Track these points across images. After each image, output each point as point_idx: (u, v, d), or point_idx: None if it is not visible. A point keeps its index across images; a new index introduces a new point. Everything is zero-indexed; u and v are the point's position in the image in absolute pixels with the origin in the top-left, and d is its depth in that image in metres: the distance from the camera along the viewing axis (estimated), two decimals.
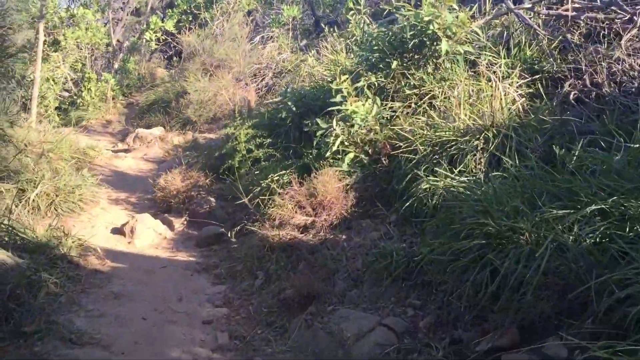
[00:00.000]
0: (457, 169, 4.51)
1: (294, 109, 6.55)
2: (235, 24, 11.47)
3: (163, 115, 11.73)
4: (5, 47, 5.24)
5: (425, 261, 3.76)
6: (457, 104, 5.20)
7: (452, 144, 4.75)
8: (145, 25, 15.82)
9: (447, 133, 4.90)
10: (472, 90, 5.34)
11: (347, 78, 5.73)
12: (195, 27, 13.95)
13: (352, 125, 5.42)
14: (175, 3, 15.85)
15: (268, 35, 12.97)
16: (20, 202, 5.98)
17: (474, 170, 4.51)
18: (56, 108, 14.22)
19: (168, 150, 9.54)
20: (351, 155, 5.34)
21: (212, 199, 6.51)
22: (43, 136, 8.24)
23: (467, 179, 4.35)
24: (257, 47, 12.11)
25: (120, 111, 14.67)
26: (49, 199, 6.26)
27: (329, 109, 5.79)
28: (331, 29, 10.95)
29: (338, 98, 5.61)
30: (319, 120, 5.61)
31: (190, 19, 15.35)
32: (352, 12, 10.10)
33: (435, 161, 4.76)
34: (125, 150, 10.59)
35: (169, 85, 12.39)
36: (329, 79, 7.60)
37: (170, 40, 14.54)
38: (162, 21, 14.98)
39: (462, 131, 4.85)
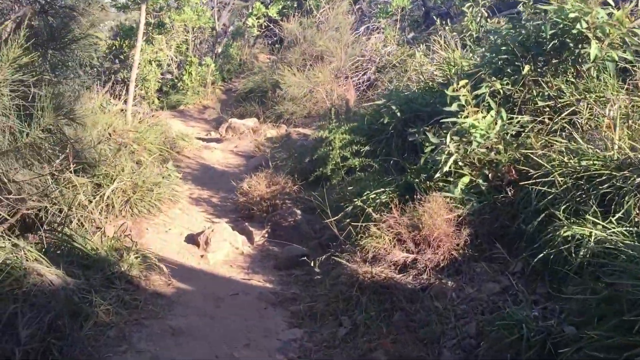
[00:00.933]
0: (613, 215, 3.35)
1: (398, 113, 5.54)
2: (340, 13, 10.52)
3: (258, 105, 11.03)
4: (66, 31, 4.55)
5: (572, 350, 2.67)
6: (609, 125, 4.00)
7: (604, 178, 3.58)
8: (250, 10, 15.22)
9: (596, 163, 3.73)
10: (631, 109, 4.11)
11: (466, 83, 4.63)
12: (298, 15, 13.15)
13: (470, 142, 4.34)
14: None
15: (374, 25, 11.94)
16: (94, 199, 5.38)
17: (636, 219, 3.33)
18: (157, 90, 13.99)
19: (259, 145, 8.79)
20: (466, 179, 4.27)
21: (298, 211, 5.64)
22: (132, 124, 7.67)
23: (628, 231, 3.20)
24: (360, 38, 11.11)
25: (218, 97, 14.20)
26: (125, 196, 5.63)
27: (441, 118, 4.75)
28: (443, 22, 9.77)
29: (453, 107, 4.53)
30: (428, 134, 4.55)
31: (295, 5, 14.58)
32: (468, 4, 8.89)
33: (579, 200, 3.61)
34: (217, 140, 9.98)
35: (267, 74, 11.66)
36: (440, 80, 6.52)
37: (272, 27, 13.78)
38: (267, 7, 14.29)
39: (617, 163, 3.66)
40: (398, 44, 10.89)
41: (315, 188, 5.92)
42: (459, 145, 4.36)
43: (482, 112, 4.50)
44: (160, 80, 13.48)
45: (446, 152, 4.34)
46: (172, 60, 14.02)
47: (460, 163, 4.38)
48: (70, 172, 5.29)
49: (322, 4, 13.23)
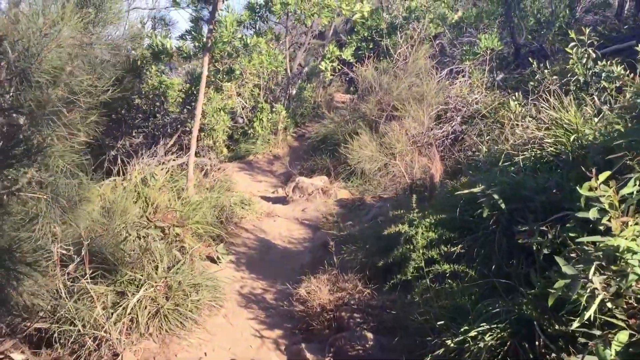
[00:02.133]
0: None
1: (501, 204, 4.08)
2: (421, 57, 9.15)
3: (330, 159, 9.78)
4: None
5: None
6: None
7: None
8: (326, 50, 14.11)
9: None
10: None
11: (607, 176, 3.12)
12: (374, 57, 11.88)
13: (624, 275, 2.83)
14: (355, 29, 13.93)
15: (458, 68, 10.47)
16: (114, 312, 4.22)
17: None
18: (228, 137, 13.08)
19: (328, 213, 7.48)
20: (623, 335, 2.75)
21: (369, 335, 4.22)
22: (187, 192, 6.60)
23: None
24: (443, 83, 9.68)
25: (290, 144, 13.11)
26: (154, 305, 4.44)
27: (564, 216, 3.28)
28: (539, 63, 8.19)
29: (591, 213, 3.04)
30: (559, 260, 3.05)
31: (370, 46, 13.35)
32: (572, 44, 7.29)
33: None
34: (282, 201, 8.79)
35: (339, 125, 10.41)
36: (552, 149, 4.99)
37: (347, 70, 12.56)
38: (340, 49, 13.12)
39: None
40: (486, 88, 9.37)
41: (392, 292, 4.52)
42: (609, 279, 2.85)
43: (636, 222, 2.99)
44: (230, 128, 12.55)
45: (587, 290, 2.84)
46: (242, 107, 13.11)
47: (610, 305, 2.86)
48: (86, 279, 4.18)
49: (400, 43, 11.93)
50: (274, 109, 12.74)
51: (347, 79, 16.55)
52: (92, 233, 4.38)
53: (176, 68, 13.42)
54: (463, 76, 10.24)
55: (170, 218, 5.62)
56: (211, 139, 12.09)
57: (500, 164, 5.00)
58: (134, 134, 11.81)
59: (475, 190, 4.20)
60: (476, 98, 8.87)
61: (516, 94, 7.73)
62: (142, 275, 4.50)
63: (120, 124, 11.56)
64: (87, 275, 4.14)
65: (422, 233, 4.23)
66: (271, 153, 12.42)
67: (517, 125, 6.40)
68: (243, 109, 13.20)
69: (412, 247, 4.25)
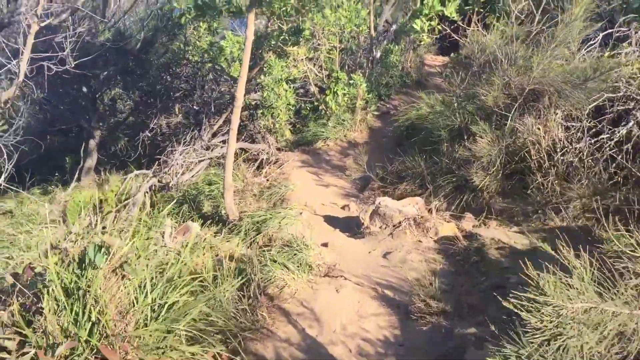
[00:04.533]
0: None
1: None
2: (580, 13, 5.69)
3: (424, 161, 6.62)
4: None
5: None
6: None
7: None
8: (417, 6, 10.67)
9: None
10: None
11: None
12: (490, 15, 8.43)
13: None
14: None
15: (620, 32, 6.89)
16: None
17: None
18: (295, 113, 10.16)
19: (429, 259, 4.48)
20: None
21: None
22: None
23: None
24: (603, 52, 6.21)
25: (371, 124, 9.98)
26: None
27: None
28: None
29: None
30: None
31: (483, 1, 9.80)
32: None
33: None
34: (355, 228, 5.83)
35: (439, 109, 7.15)
36: None
37: (450, 33, 9.10)
38: (442, 4, 9.67)
39: None
40: None
41: None
42: None
43: None
44: (294, 104, 9.60)
45: None
46: (313, 76, 10.05)
47: None
48: None
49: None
50: (352, 80, 9.61)
51: (448, 43, 13.06)
52: None
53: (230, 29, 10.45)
54: (629, 44, 6.69)
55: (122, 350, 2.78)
56: (270, 118, 9.21)
57: None
58: (174, 112, 9.11)
59: None
60: None
61: None
62: None
63: (155, 98, 8.88)
64: None
65: None
66: (346, 139, 9.37)
67: None
68: (314, 80, 10.16)
69: None
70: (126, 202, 7.20)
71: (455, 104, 6.42)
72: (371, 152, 8.24)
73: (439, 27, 9.31)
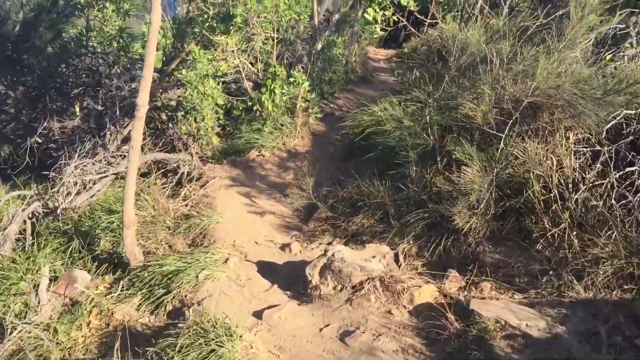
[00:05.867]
0: None
1: None
2: (595, 5, 4.30)
3: (389, 190, 5.10)
4: None
5: None
6: None
7: None
8: None
9: None
10: None
11: None
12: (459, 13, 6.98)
13: None
14: None
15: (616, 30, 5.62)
16: None
17: None
18: (225, 113, 8.45)
19: (407, 348, 3.05)
20: None
21: None
22: None
23: None
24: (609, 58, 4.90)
25: (314, 129, 8.41)
26: None
27: None
28: None
29: None
30: None
31: None
32: None
33: None
34: (299, 285, 4.27)
35: (410, 123, 5.62)
36: None
37: (408, 26, 7.54)
38: None
39: None
40: None
41: None
42: None
43: None
44: (224, 104, 7.88)
45: None
46: (247, 70, 8.33)
47: None
48: None
49: None
50: (291, 78, 7.99)
51: (389, 35, 11.61)
52: None
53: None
54: (630, 44, 5.46)
55: None
56: (193, 123, 7.45)
57: None
58: (69, 113, 7.17)
59: None
60: None
61: None
62: None
63: (45, 96, 6.89)
64: None
65: None
66: (285, 147, 7.77)
67: None
68: (247, 75, 8.45)
69: None
70: None
71: (428, 118, 4.91)
72: (316, 162, 6.69)
73: (394, 17, 7.79)
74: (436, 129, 4.86)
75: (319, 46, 9.71)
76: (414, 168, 4.97)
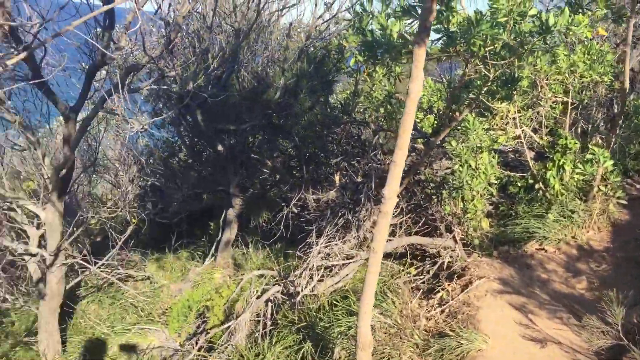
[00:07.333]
0: None
1: None
2: None
3: None
4: None
5: None
6: None
7: None
8: None
9: None
10: None
11: None
12: None
13: None
14: None
15: None
16: None
17: None
18: (500, 189, 7.05)
19: None
20: None
21: None
22: None
23: None
24: None
25: (614, 218, 6.39)
26: None
27: None
28: None
29: None
30: None
31: None
32: None
33: None
34: None
35: None
36: None
37: None
38: None
39: None
40: None
41: None
42: None
43: None
44: (498, 179, 6.48)
45: None
46: (526, 139, 6.78)
47: None
48: None
49: None
50: (588, 151, 6.20)
51: None
52: None
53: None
54: None
55: None
56: (460, 202, 6.20)
57: None
58: (325, 183, 6.59)
59: None
60: None
61: None
62: None
63: (302, 165, 6.40)
64: None
65: None
66: (575, 241, 5.96)
67: None
68: (529, 144, 6.91)
69: None
70: (229, 322, 4.79)
71: None
72: (618, 271, 4.78)
73: None
74: None
75: (617, 109, 7.63)
76: None
